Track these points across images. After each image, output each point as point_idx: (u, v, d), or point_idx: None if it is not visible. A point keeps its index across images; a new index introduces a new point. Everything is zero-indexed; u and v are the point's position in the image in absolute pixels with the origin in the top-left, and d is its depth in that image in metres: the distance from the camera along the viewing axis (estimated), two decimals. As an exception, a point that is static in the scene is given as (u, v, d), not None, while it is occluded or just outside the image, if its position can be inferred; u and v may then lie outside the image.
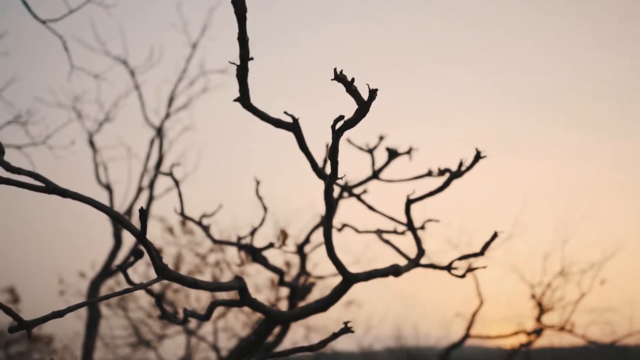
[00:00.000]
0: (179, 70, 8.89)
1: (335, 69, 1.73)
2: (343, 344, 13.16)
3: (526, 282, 7.89)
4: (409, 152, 3.58)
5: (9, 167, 1.90)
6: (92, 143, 8.06)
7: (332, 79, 1.73)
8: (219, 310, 10.50)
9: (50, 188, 1.87)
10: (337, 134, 1.82)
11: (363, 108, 1.78)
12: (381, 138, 3.68)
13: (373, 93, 1.76)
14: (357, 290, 12.29)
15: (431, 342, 11.48)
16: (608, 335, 7.15)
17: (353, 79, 1.75)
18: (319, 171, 2.24)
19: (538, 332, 7.39)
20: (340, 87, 1.76)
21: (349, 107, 1.80)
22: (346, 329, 2.26)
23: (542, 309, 7.44)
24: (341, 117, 1.79)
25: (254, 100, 2.07)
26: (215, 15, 8.98)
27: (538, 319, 7.43)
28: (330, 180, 2.02)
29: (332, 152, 1.88)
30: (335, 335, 2.30)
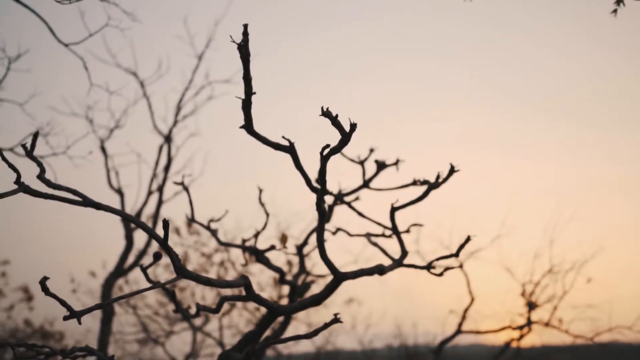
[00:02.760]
0: (185, 80, 9.38)
1: (322, 107, 2.14)
2: (344, 342, 13.51)
3: (517, 280, 8.27)
4: (396, 163, 3.98)
5: (50, 184, 2.30)
6: (103, 149, 8.52)
7: (319, 115, 2.14)
8: (224, 308, 10.94)
9: (86, 202, 2.26)
10: (324, 159, 2.23)
11: (345, 138, 2.18)
12: (371, 150, 4.08)
13: (353, 126, 2.17)
14: (357, 289, 12.69)
15: (430, 338, 11.85)
16: (592, 331, 7.51)
17: (337, 115, 2.16)
18: (312, 186, 2.63)
19: (528, 328, 7.76)
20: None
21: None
22: (336, 320, 2.65)
23: (531, 306, 7.82)
24: (327, 146, 2.20)
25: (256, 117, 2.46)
26: (219, 29, 9.44)
27: (528, 316, 7.80)
28: (320, 194, 2.43)
29: (321, 173, 2.30)
30: (326, 325, 2.69)
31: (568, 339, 7.68)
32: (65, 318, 2.03)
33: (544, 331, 7.86)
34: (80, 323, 2.02)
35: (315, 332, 2.76)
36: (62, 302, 2.02)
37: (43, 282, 1.96)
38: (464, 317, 7.45)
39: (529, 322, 7.69)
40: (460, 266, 7.44)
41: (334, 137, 2.27)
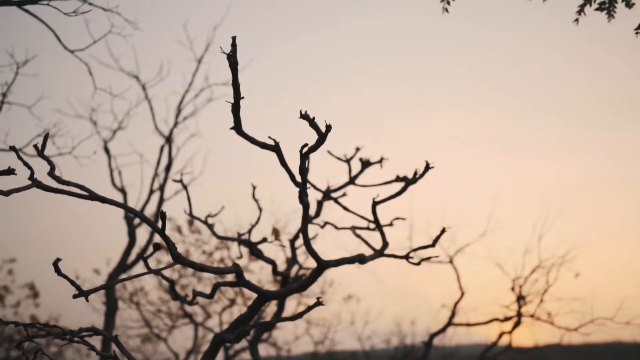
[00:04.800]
0: (185, 83, 9.69)
1: (300, 110, 2.42)
2: (343, 339, 13.75)
3: (508, 275, 8.53)
4: (380, 161, 4.26)
5: (60, 180, 2.57)
6: (107, 150, 8.84)
7: (298, 117, 2.42)
8: (223, 303, 11.24)
9: (93, 196, 2.54)
10: (303, 157, 2.51)
11: (322, 138, 2.46)
12: (357, 149, 4.36)
13: (329, 127, 2.44)
14: (356, 287, 12.97)
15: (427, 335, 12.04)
16: (577, 323, 7.78)
17: (314, 117, 2.44)
18: (295, 181, 2.91)
19: (517, 319, 8.03)
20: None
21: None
22: (318, 303, 2.90)
23: (521, 301, 8.07)
24: (306, 145, 2.48)
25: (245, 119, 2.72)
26: (217, 33, 9.75)
27: (517, 310, 8.06)
28: (301, 188, 2.70)
29: (301, 169, 2.57)
30: (309, 308, 2.94)
31: (564, 338, 7.93)
32: (75, 296, 2.31)
33: (534, 325, 8.12)
34: (87, 301, 2.30)
35: (300, 315, 3.02)
36: (72, 282, 2.30)
37: (56, 264, 2.24)
38: (454, 311, 7.73)
39: (519, 316, 7.95)
40: (450, 262, 7.74)
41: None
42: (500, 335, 8.27)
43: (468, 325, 7.88)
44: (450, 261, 7.77)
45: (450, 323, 7.75)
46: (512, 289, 8.30)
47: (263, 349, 12.29)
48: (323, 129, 2.46)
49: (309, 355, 13.17)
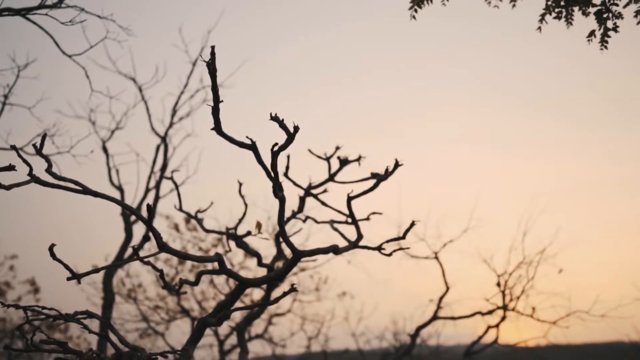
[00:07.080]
0: (181, 84, 9.99)
1: (270, 113, 2.69)
2: (338, 336, 13.97)
3: (494, 271, 8.78)
4: (358, 159, 4.53)
5: (55, 176, 2.85)
6: (105, 149, 9.15)
7: (269, 119, 2.69)
8: (219, 298, 11.52)
9: (86, 191, 2.81)
10: (274, 155, 2.79)
11: (290, 138, 2.73)
12: (337, 148, 4.63)
13: (296, 128, 2.72)
14: (350, 284, 13.22)
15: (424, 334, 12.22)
16: (562, 319, 8.04)
17: (283, 119, 2.71)
18: (270, 177, 3.18)
19: (503, 315, 8.28)
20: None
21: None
22: (293, 289, 3.16)
23: (505, 296, 8.33)
24: (276, 144, 2.75)
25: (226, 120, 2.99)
26: (211, 36, 10.04)
27: (502, 304, 8.32)
28: (274, 183, 2.97)
29: (272, 166, 2.85)
30: (285, 294, 3.20)
31: (567, 338, 8.19)
32: (68, 279, 2.58)
33: (521, 321, 8.36)
34: (79, 283, 2.57)
35: (276, 300, 3.29)
36: (65, 266, 2.58)
37: (51, 249, 2.51)
38: (439, 305, 8.00)
39: (505, 309, 8.20)
40: (436, 257, 8.02)
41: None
42: (487, 329, 8.51)
43: (453, 318, 8.15)
44: (436, 257, 8.04)
45: (435, 317, 8.01)
46: (498, 284, 8.55)
47: (260, 347, 12.55)
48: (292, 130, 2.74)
49: (303, 356, 13.37)
